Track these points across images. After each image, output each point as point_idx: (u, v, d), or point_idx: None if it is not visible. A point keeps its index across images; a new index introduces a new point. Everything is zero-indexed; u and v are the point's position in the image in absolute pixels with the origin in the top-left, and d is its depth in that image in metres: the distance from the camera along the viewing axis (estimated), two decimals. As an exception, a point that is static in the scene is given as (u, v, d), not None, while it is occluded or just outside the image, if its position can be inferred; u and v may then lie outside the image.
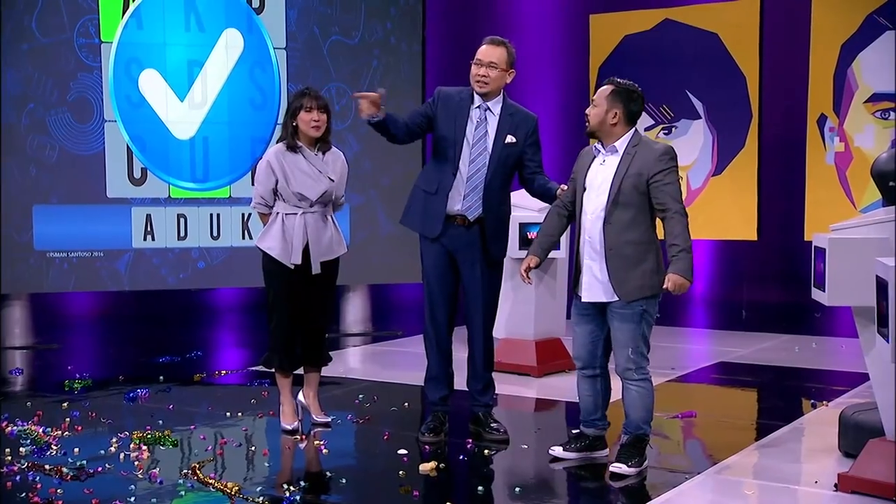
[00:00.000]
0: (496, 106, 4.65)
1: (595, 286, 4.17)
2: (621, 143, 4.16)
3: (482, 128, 4.62)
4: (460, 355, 4.91)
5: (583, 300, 4.22)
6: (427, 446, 4.62)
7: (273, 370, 5.02)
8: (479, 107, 4.64)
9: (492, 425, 4.80)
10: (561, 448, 4.41)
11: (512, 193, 6.39)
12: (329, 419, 5.03)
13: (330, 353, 5.13)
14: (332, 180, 4.75)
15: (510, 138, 4.63)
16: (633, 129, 4.20)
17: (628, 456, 4.17)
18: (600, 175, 4.17)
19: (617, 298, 4.11)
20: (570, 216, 4.40)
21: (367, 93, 4.43)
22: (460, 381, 4.95)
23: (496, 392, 4.95)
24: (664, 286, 4.05)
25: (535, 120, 4.74)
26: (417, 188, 4.78)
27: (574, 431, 4.49)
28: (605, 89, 4.18)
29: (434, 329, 4.76)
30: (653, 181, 4.08)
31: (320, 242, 4.77)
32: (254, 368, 6.65)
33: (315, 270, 4.76)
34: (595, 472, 4.31)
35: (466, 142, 4.61)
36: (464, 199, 4.61)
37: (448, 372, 4.84)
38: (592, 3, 8.95)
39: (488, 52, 4.60)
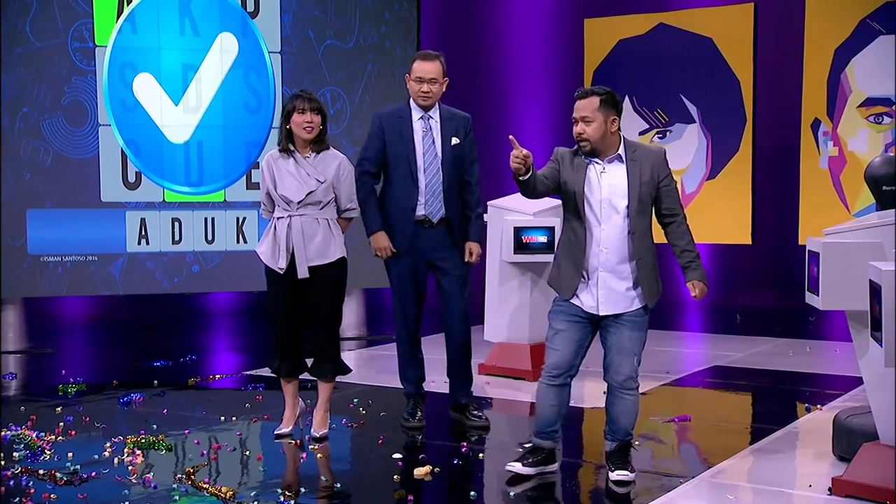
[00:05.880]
0: (435, 113, 4.96)
1: (612, 298, 4.05)
2: (621, 150, 4.09)
3: (429, 137, 4.92)
4: (436, 357, 5.17)
5: (601, 314, 4.07)
6: (413, 432, 4.92)
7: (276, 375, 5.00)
8: (421, 118, 4.93)
9: (473, 412, 5.10)
10: (520, 464, 4.20)
11: (508, 197, 6.43)
12: (326, 431, 4.91)
13: (346, 365, 4.97)
14: (321, 182, 4.67)
15: (455, 140, 4.95)
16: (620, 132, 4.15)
17: (624, 462, 4.17)
18: (606, 184, 4.04)
19: (636, 307, 4.07)
20: (546, 192, 4.17)
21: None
22: (439, 386, 5.06)
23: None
24: (693, 294, 4.06)
25: (470, 120, 5.07)
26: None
27: (527, 445, 4.31)
28: (592, 101, 4.01)
29: (404, 322, 5.06)
30: (663, 185, 4.08)
31: (307, 246, 4.68)
32: (248, 373, 6.64)
33: (301, 275, 4.68)
34: (589, 477, 4.31)
35: (418, 153, 4.90)
36: (425, 204, 4.91)
37: (419, 358, 5.16)
38: (587, 7, 8.96)
39: (426, 69, 4.86)
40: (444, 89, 4.93)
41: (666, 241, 4.21)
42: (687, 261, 4.09)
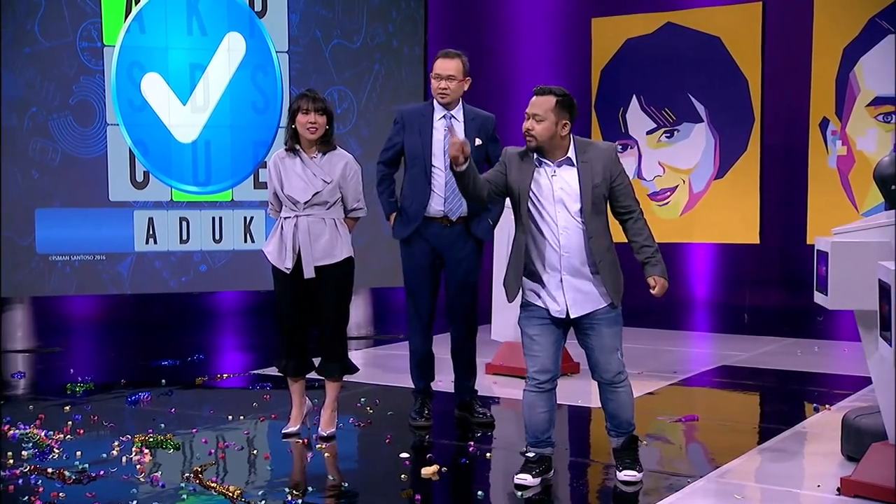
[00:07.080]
0: (458, 113, 4.98)
1: (581, 300, 4.01)
2: (571, 153, 4.02)
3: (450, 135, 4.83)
4: (445, 357, 5.19)
5: (572, 316, 4.03)
6: (421, 431, 4.97)
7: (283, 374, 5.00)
8: (444, 116, 4.95)
9: (478, 409, 5.17)
10: (530, 476, 4.09)
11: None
12: (333, 430, 4.91)
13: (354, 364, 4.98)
14: (327, 182, 4.67)
15: (478, 141, 4.95)
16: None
17: (633, 460, 4.16)
18: (558, 188, 3.97)
19: (604, 305, 4.03)
20: (491, 196, 4.14)
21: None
22: (447, 385, 5.13)
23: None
24: (652, 290, 4.02)
25: (493, 119, 5.11)
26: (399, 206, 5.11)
27: (529, 455, 4.15)
28: (548, 100, 3.96)
29: (417, 316, 5.06)
30: (616, 184, 4.02)
31: (313, 246, 4.68)
32: (255, 372, 6.65)
33: (307, 275, 4.68)
34: (597, 477, 4.31)
35: (436, 151, 4.90)
36: (445, 201, 4.92)
37: (431, 355, 5.15)
38: (594, 6, 8.95)
39: (445, 66, 4.91)
40: (465, 87, 4.96)
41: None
42: (646, 257, 4.04)
